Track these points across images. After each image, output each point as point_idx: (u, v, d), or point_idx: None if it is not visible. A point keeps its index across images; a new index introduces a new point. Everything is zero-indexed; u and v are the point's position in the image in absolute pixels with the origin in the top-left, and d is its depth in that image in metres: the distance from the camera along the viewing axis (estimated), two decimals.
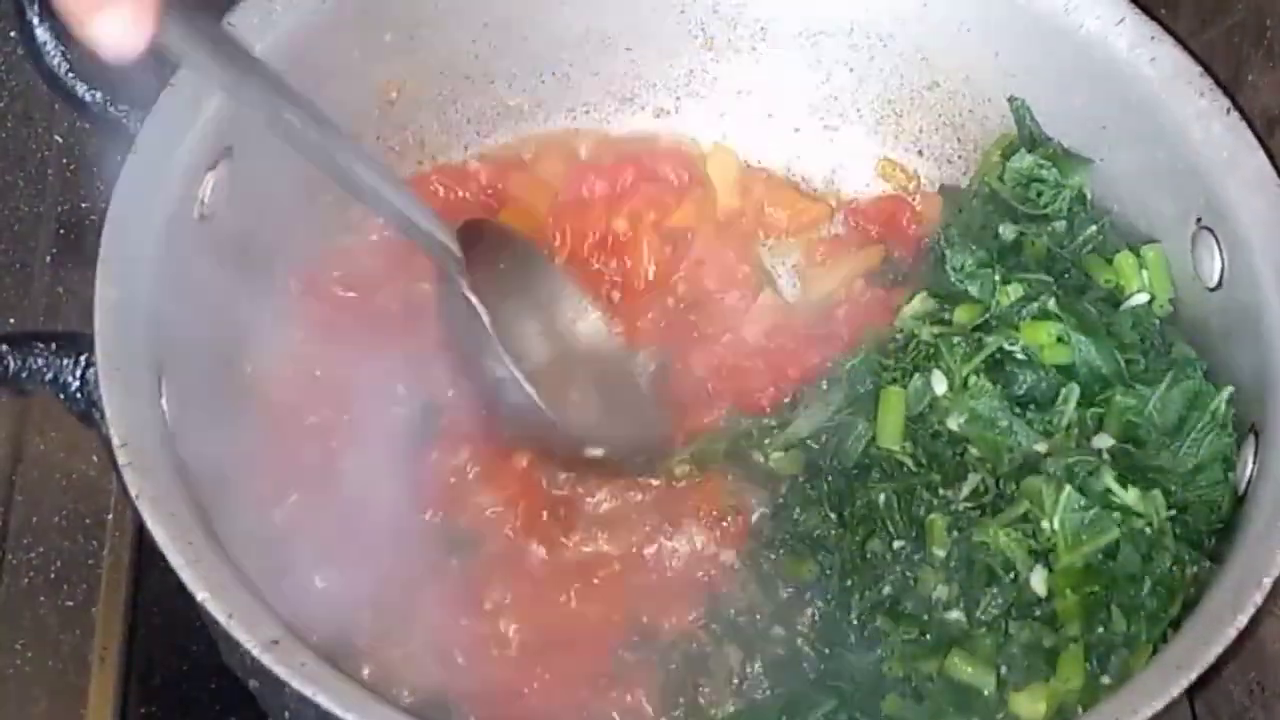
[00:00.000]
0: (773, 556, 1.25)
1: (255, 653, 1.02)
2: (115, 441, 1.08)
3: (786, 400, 1.31)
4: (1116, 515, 1.18)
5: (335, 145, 1.11)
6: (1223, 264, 1.24)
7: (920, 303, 1.29)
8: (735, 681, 1.21)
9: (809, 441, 1.28)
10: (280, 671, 1.01)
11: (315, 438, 1.28)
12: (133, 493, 1.06)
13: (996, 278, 1.29)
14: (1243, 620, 1.06)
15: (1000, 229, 1.33)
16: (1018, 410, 1.23)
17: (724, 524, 1.27)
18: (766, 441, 1.29)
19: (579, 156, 1.44)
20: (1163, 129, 1.27)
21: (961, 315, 1.28)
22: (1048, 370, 1.24)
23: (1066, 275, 1.30)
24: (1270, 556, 1.09)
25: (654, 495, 1.29)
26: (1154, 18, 1.29)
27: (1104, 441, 1.21)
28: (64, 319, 1.39)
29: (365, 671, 1.20)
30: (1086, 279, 1.30)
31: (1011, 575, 1.18)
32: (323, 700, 1.01)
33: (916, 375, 1.25)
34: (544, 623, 1.24)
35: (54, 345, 1.14)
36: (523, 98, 1.44)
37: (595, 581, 1.26)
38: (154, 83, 1.19)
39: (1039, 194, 1.34)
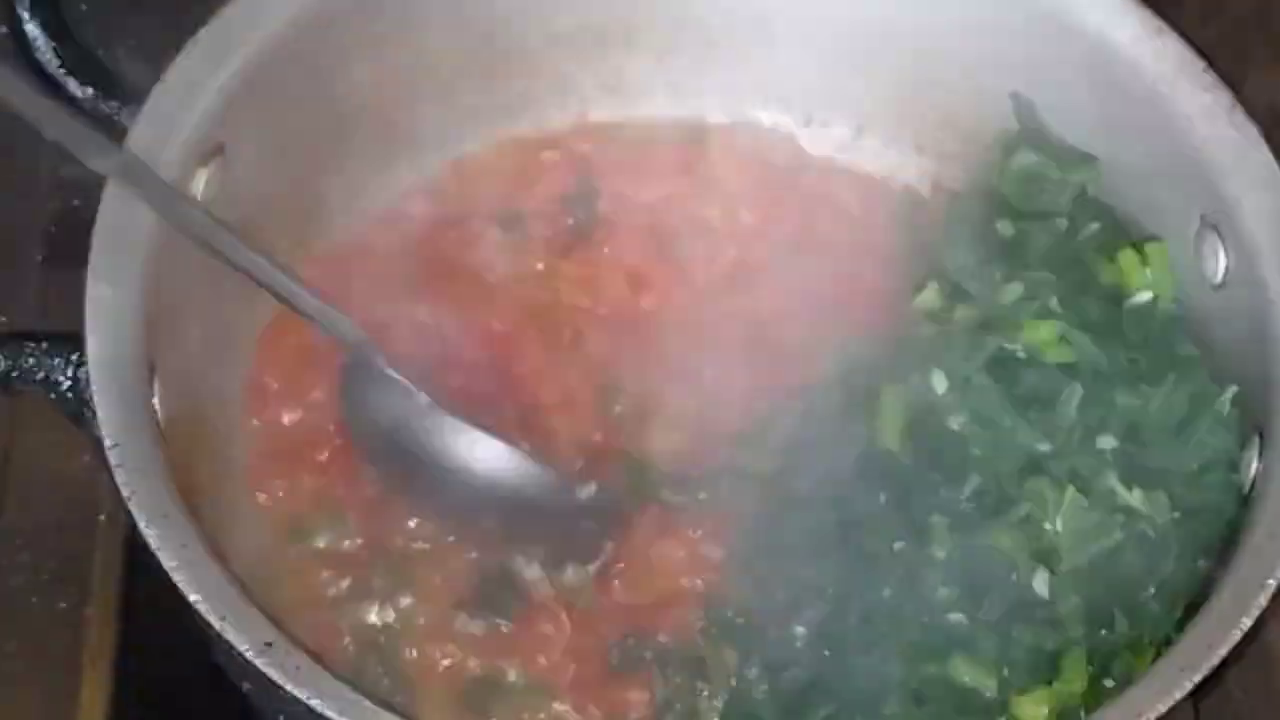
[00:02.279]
0: (769, 558, 1.24)
1: (249, 656, 1.01)
2: (107, 442, 1.07)
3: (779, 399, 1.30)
4: (1120, 517, 1.17)
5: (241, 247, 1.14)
6: (1227, 261, 1.23)
7: (932, 293, 1.29)
8: (733, 684, 1.20)
9: (805, 442, 1.27)
10: (274, 674, 1.01)
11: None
12: (125, 494, 1.06)
13: (997, 276, 1.28)
14: (1247, 622, 1.06)
15: (1001, 227, 1.32)
16: (1019, 410, 1.22)
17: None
18: (757, 442, 1.28)
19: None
20: (1166, 125, 1.27)
21: (962, 314, 1.28)
22: (1050, 369, 1.24)
23: (1069, 273, 1.29)
24: (1275, 558, 1.08)
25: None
26: (1157, 11, 1.29)
27: (1107, 442, 1.21)
28: (55, 318, 1.39)
29: None
30: (1089, 277, 1.30)
31: (1013, 577, 1.17)
32: (317, 704, 1.00)
33: (916, 374, 1.25)
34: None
35: (45, 345, 1.14)
36: (519, 94, 1.43)
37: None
38: (146, 78, 1.19)
39: (1041, 191, 1.33)
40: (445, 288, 1.35)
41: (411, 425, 1.22)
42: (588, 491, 1.26)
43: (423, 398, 1.22)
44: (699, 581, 1.24)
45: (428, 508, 1.26)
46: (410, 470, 1.24)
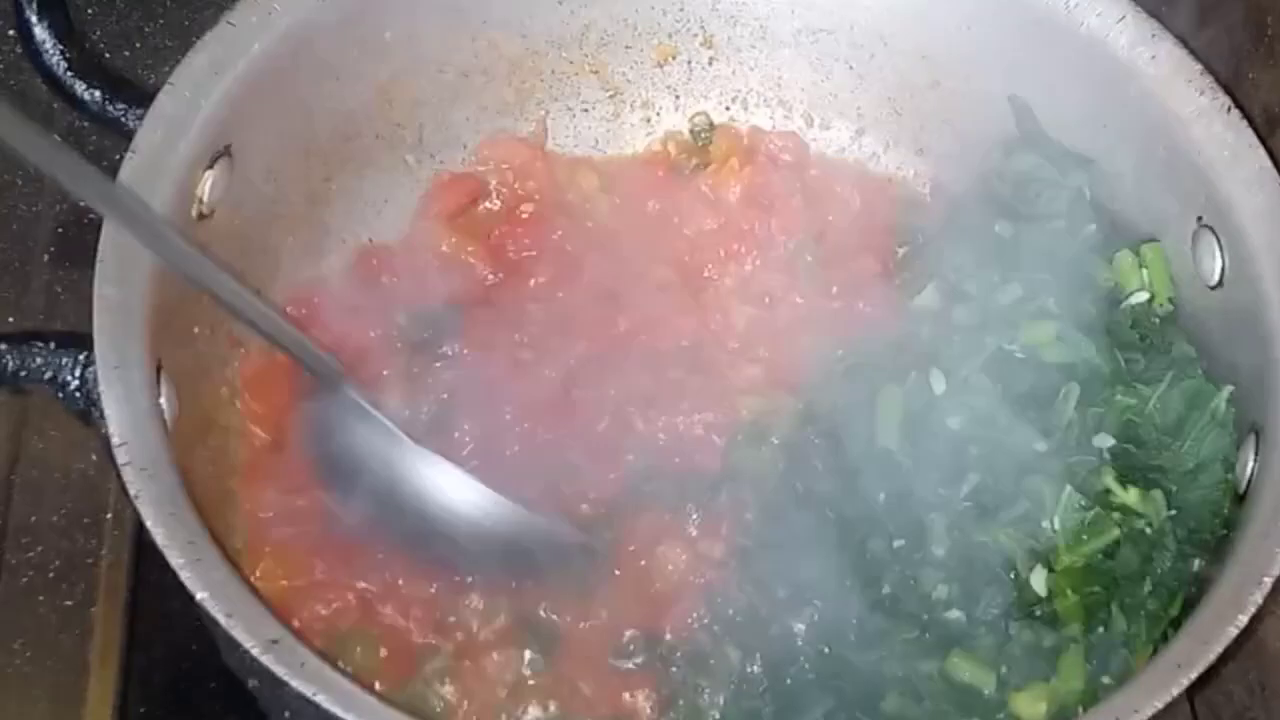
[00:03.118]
0: (770, 557, 1.24)
1: (255, 652, 1.02)
2: (114, 440, 1.07)
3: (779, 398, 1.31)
4: (1117, 515, 1.18)
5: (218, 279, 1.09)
6: (1223, 262, 1.24)
7: (931, 294, 1.29)
8: (735, 681, 1.20)
9: (805, 441, 1.28)
10: (280, 671, 1.02)
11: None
12: (132, 492, 1.06)
13: (996, 277, 1.29)
14: (1243, 619, 1.06)
15: (1000, 228, 1.33)
16: (1017, 409, 1.23)
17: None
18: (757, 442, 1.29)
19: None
20: (1163, 127, 1.27)
21: (961, 314, 1.29)
22: (1047, 369, 1.25)
23: (1066, 274, 1.30)
24: (1271, 556, 1.09)
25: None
26: (1154, 16, 1.29)
27: (1104, 441, 1.22)
28: (62, 318, 1.39)
29: None
30: (1086, 278, 1.30)
31: (1012, 575, 1.18)
32: (322, 700, 1.01)
33: (915, 374, 1.25)
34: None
35: (53, 344, 1.14)
36: (522, 96, 1.44)
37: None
38: (153, 81, 1.19)
39: (1038, 193, 1.34)
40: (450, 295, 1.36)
41: (386, 461, 1.18)
42: (571, 537, 1.23)
43: (397, 433, 1.18)
44: (700, 580, 1.24)
45: (396, 544, 1.21)
46: (381, 505, 1.19)
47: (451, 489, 1.19)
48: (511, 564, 1.21)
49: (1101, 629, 1.16)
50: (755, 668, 1.20)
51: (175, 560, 1.04)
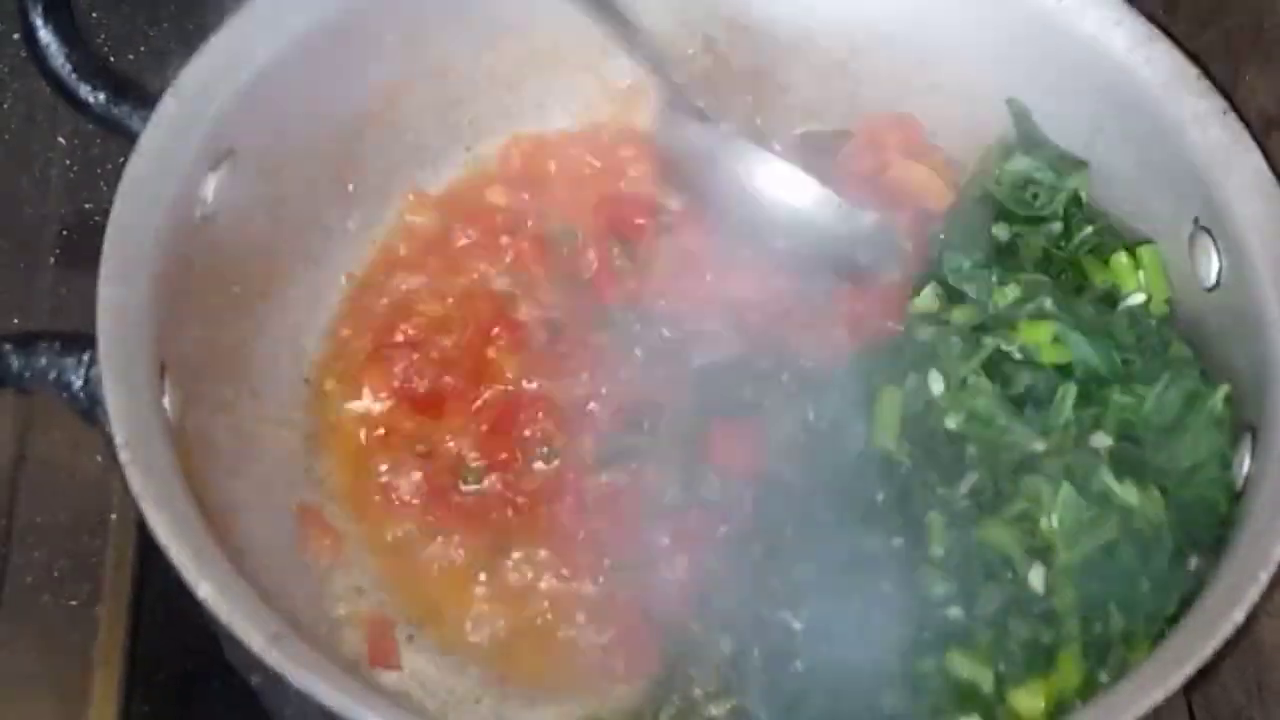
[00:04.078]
0: (769, 554, 1.24)
1: (257, 649, 1.03)
2: (118, 441, 1.08)
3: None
4: (1114, 513, 1.18)
5: None
6: (1220, 264, 1.25)
7: (929, 295, 1.30)
8: (731, 675, 1.21)
9: (805, 441, 1.28)
10: (281, 667, 1.02)
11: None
12: (135, 491, 1.07)
13: (994, 278, 1.29)
14: (1240, 617, 1.06)
15: (997, 230, 1.34)
16: (1015, 409, 1.23)
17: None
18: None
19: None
20: (1160, 130, 1.28)
21: (959, 315, 1.29)
22: (1045, 370, 1.25)
23: (1063, 276, 1.31)
24: (1267, 554, 1.09)
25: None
26: (1151, 19, 1.30)
27: (1102, 440, 1.22)
28: (68, 319, 1.40)
29: None
30: (1083, 279, 1.31)
31: (1010, 572, 1.18)
32: (323, 694, 1.01)
33: (913, 375, 1.26)
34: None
35: (57, 345, 1.15)
36: (523, 99, 1.45)
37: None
38: (157, 84, 1.20)
39: (1035, 196, 1.34)
40: (454, 298, 1.37)
41: (716, 154, 1.33)
42: (869, 219, 1.33)
43: (726, 126, 1.34)
44: (695, 572, 1.24)
45: (728, 228, 1.34)
46: (714, 195, 1.34)
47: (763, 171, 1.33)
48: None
49: (1099, 626, 1.16)
50: (752, 661, 1.20)
51: (177, 558, 1.05)
